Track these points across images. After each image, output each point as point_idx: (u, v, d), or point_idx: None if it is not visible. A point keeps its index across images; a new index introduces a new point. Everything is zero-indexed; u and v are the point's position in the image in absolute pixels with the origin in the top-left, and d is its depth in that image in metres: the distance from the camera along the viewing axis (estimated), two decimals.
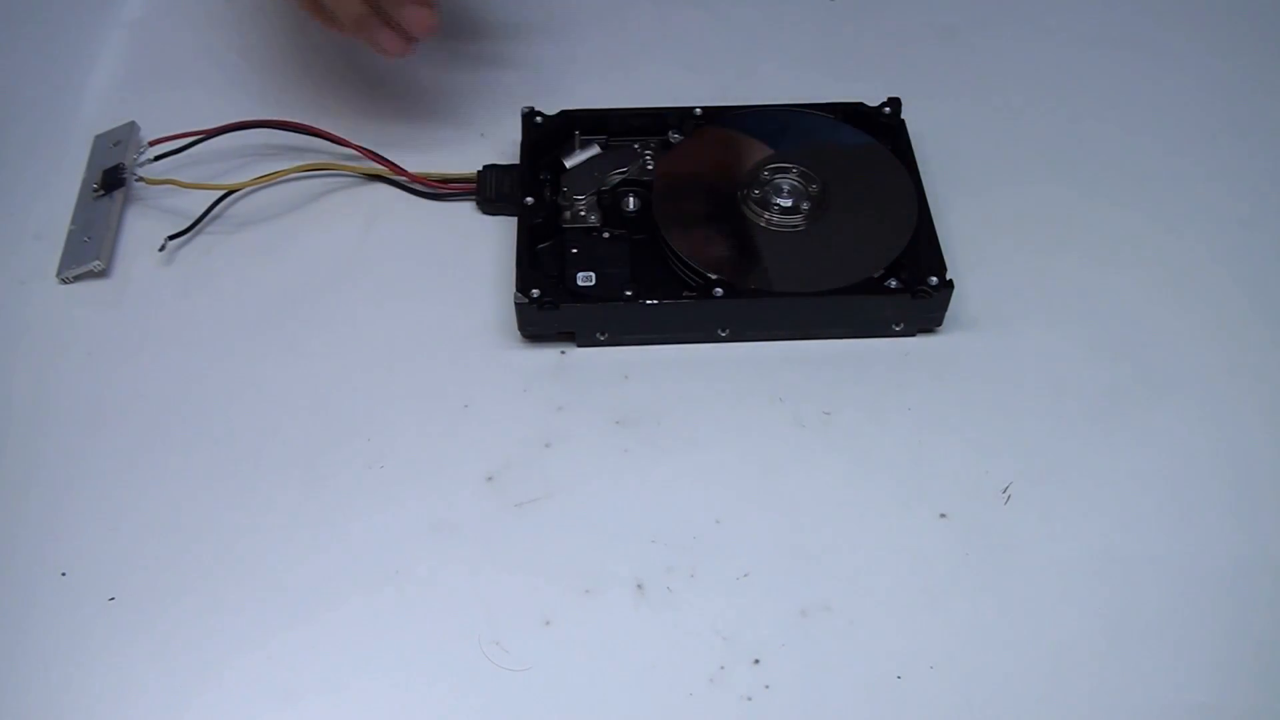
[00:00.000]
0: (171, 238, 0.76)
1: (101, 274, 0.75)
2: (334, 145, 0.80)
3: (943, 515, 0.65)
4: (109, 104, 0.85)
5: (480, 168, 0.79)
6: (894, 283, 0.71)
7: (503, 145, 0.81)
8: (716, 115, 0.79)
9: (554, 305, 0.70)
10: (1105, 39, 0.89)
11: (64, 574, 0.64)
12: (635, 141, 0.79)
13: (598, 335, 0.72)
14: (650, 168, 0.77)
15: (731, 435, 0.69)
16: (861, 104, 0.79)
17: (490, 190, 0.79)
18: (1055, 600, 0.63)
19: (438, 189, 0.79)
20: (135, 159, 0.80)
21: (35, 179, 0.81)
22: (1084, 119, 0.84)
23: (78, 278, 0.75)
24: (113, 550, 0.64)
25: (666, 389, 0.70)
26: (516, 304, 0.70)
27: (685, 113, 0.79)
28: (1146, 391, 0.70)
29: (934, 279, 0.71)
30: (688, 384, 0.71)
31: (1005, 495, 0.66)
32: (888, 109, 0.79)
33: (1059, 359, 0.72)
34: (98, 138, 0.82)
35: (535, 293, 0.70)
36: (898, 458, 0.68)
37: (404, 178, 0.79)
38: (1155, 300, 0.74)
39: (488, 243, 0.77)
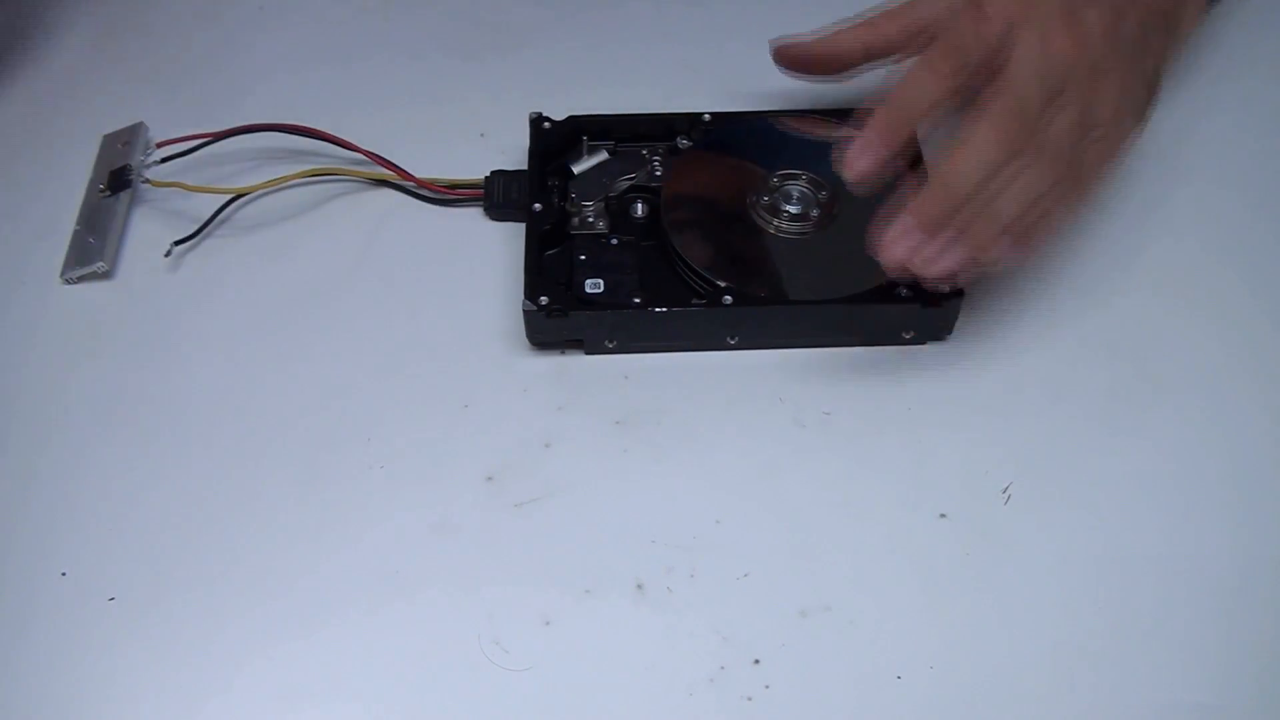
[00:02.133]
0: (177, 243, 0.76)
1: (105, 275, 0.75)
2: (341, 150, 0.80)
3: (943, 515, 0.65)
4: (118, 104, 0.85)
5: (488, 173, 0.79)
6: (904, 291, 0.70)
7: (509, 150, 0.81)
8: (725, 121, 0.79)
9: (563, 313, 0.70)
10: None
11: (64, 574, 0.64)
12: (643, 147, 0.78)
13: (606, 343, 0.72)
14: (658, 174, 0.77)
15: (732, 435, 0.68)
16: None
17: (498, 196, 0.78)
18: (1055, 600, 0.62)
19: (445, 194, 0.79)
20: (143, 160, 0.80)
21: (41, 178, 0.81)
22: None
23: (81, 279, 0.75)
24: (113, 550, 0.65)
25: (666, 389, 0.70)
26: (525, 311, 0.70)
27: (694, 118, 0.79)
28: (1146, 392, 0.70)
29: (944, 288, 0.71)
30: (688, 385, 0.71)
31: (1005, 495, 0.66)
32: None
33: (1063, 363, 0.71)
34: (106, 137, 0.82)
35: (544, 300, 0.70)
36: (898, 458, 0.68)
37: (411, 183, 0.79)
38: (1162, 304, 0.74)
39: (494, 249, 0.77)
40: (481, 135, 0.82)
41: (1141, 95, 0.72)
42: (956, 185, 0.65)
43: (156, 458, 0.68)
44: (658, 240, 0.74)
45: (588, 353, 0.72)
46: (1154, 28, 0.72)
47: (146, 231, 0.78)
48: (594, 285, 0.72)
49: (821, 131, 0.74)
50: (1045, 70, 0.66)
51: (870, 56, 0.73)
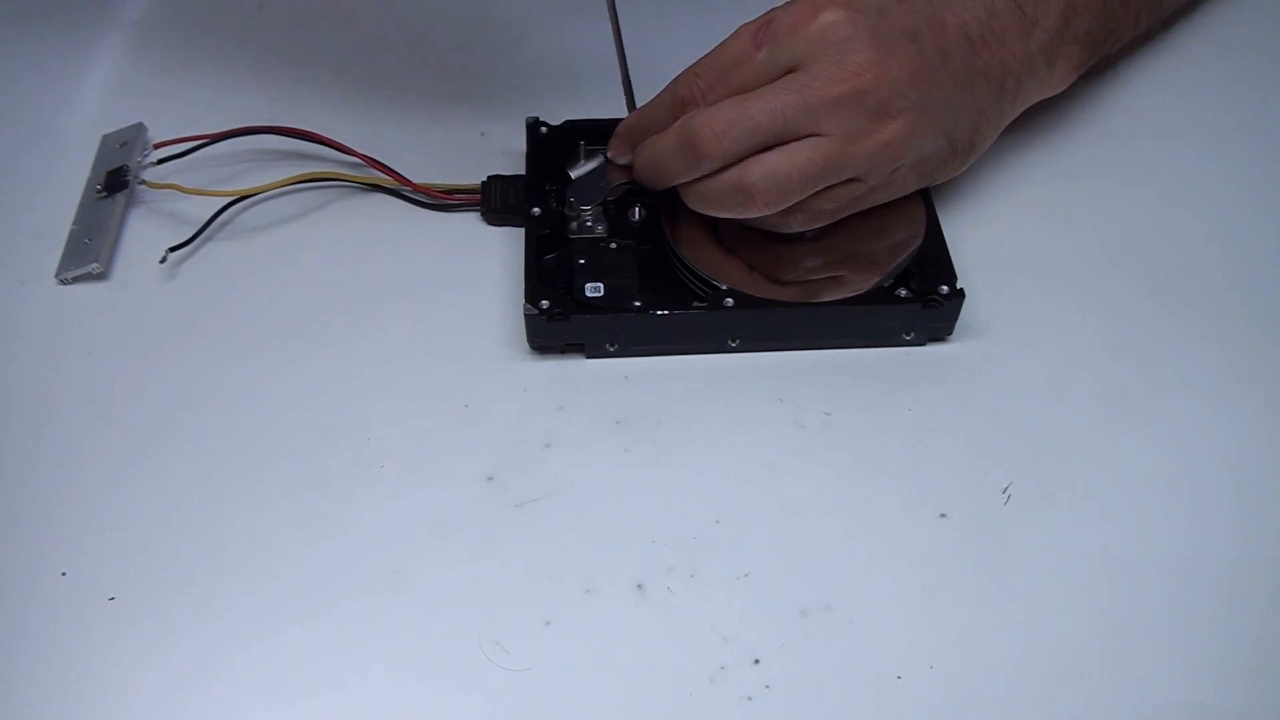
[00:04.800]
0: (173, 249, 0.76)
1: (100, 276, 0.75)
2: (338, 153, 0.80)
3: (943, 515, 0.65)
4: (119, 103, 0.85)
5: (485, 178, 0.79)
6: (904, 292, 0.71)
7: (507, 153, 0.81)
8: None
9: (564, 316, 0.70)
10: None
11: (64, 574, 0.63)
12: None
13: (608, 347, 0.72)
14: None
15: (732, 435, 0.69)
16: None
17: (495, 201, 0.78)
18: (1055, 600, 0.62)
19: (442, 199, 0.79)
20: (140, 161, 0.80)
21: (42, 177, 0.81)
22: (1094, 122, 0.84)
23: (76, 279, 0.75)
24: (113, 550, 0.64)
25: (666, 390, 0.70)
26: (526, 315, 0.70)
27: None
28: (1146, 392, 0.70)
29: (944, 288, 0.70)
30: (688, 385, 0.71)
31: (1005, 495, 0.66)
32: None
33: (1066, 362, 0.72)
34: (105, 137, 0.82)
35: (545, 304, 0.70)
36: (898, 458, 0.68)
37: (408, 188, 0.79)
38: (1162, 304, 0.74)
39: (492, 253, 0.77)
40: (482, 134, 0.83)
41: (935, 154, 0.72)
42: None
43: (156, 457, 0.68)
44: (656, 244, 0.74)
45: (589, 356, 0.72)
46: (980, 91, 0.72)
47: (142, 233, 0.78)
48: (594, 289, 0.72)
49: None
50: (814, 103, 0.66)
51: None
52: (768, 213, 0.68)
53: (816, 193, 0.68)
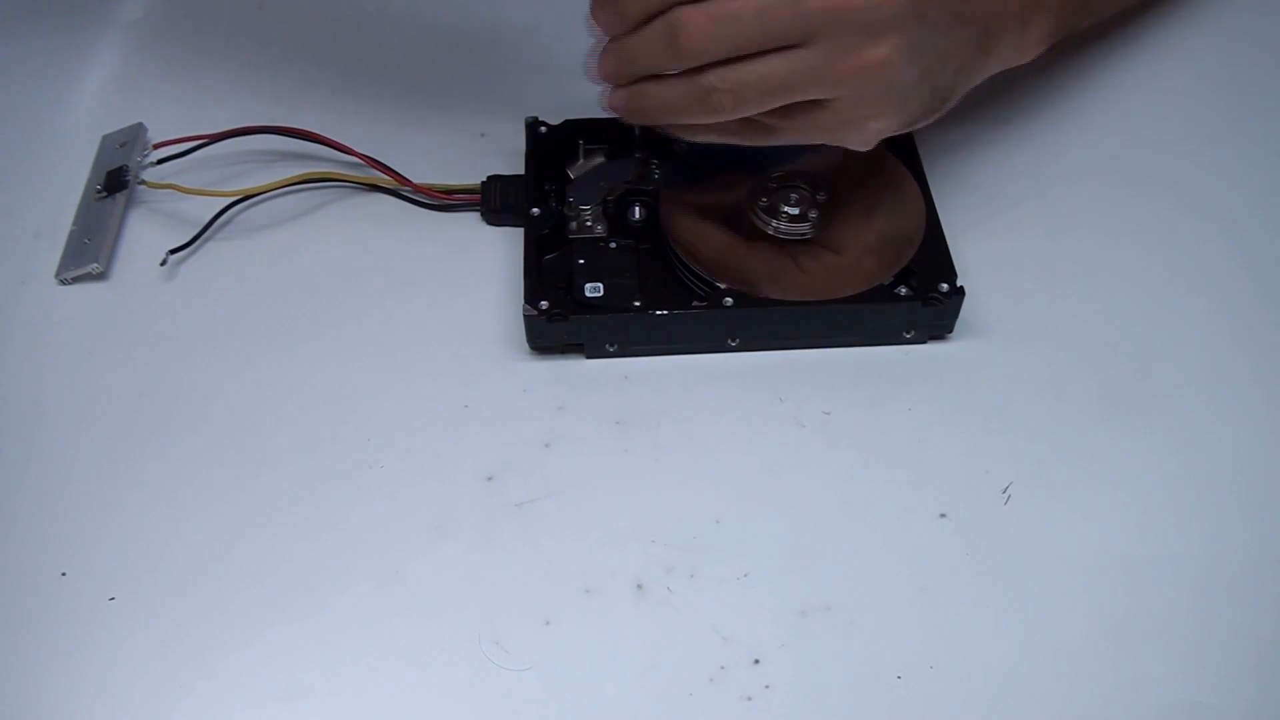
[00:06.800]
0: (173, 251, 0.76)
1: (100, 276, 0.75)
2: (338, 153, 0.80)
3: (943, 515, 0.65)
4: (119, 104, 0.85)
5: (484, 179, 0.79)
6: (904, 290, 0.71)
7: (507, 153, 0.81)
8: None
9: (563, 317, 0.70)
10: (1113, 40, 0.89)
11: (64, 574, 0.63)
12: (640, 150, 0.78)
13: (607, 347, 0.72)
14: (656, 176, 0.77)
15: (732, 435, 0.69)
16: None
17: (495, 201, 0.78)
18: (1055, 600, 0.62)
19: (442, 199, 0.79)
20: (140, 161, 0.80)
21: (42, 177, 0.81)
22: (1093, 122, 0.84)
23: (76, 279, 0.75)
24: (113, 550, 0.64)
25: (666, 390, 0.70)
26: (526, 316, 0.70)
27: None
28: (1146, 392, 0.70)
29: (944, 286, 0.70)
30: (688, 385, 0.71)
31: (1005, 495, 0.66)
32: None
33: (1066, 362, 0.72)
34: (105, 138, 0.82)
35: (544, 305, 0.70)
36: (898, 458, 0.68)
37: (408, 188, 0.79)
38: (1162, 304, 0.74)
39: (492, 253, 0.77)
40: (482, 135, 0.83)
41: (916, 95, 0.67)
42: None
43: (157, 458, 0.68)
44: (656, 243, 0.74)
45: (588, 356, 0.72)
46: (964, 38, 0.69)
47: (142, 233, 0.78)
48: (594, 289, 0.71)
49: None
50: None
51: None
52: (727, 118, 0.65)
53: (776, 111, 0.65)
